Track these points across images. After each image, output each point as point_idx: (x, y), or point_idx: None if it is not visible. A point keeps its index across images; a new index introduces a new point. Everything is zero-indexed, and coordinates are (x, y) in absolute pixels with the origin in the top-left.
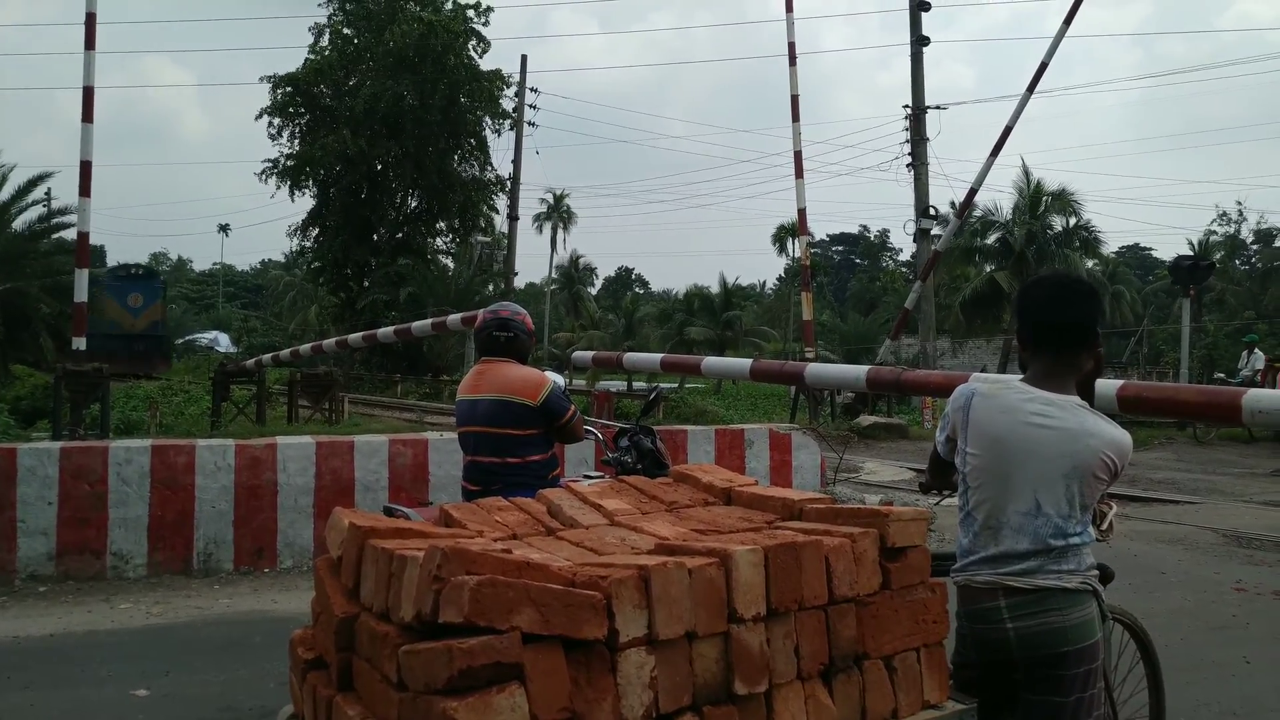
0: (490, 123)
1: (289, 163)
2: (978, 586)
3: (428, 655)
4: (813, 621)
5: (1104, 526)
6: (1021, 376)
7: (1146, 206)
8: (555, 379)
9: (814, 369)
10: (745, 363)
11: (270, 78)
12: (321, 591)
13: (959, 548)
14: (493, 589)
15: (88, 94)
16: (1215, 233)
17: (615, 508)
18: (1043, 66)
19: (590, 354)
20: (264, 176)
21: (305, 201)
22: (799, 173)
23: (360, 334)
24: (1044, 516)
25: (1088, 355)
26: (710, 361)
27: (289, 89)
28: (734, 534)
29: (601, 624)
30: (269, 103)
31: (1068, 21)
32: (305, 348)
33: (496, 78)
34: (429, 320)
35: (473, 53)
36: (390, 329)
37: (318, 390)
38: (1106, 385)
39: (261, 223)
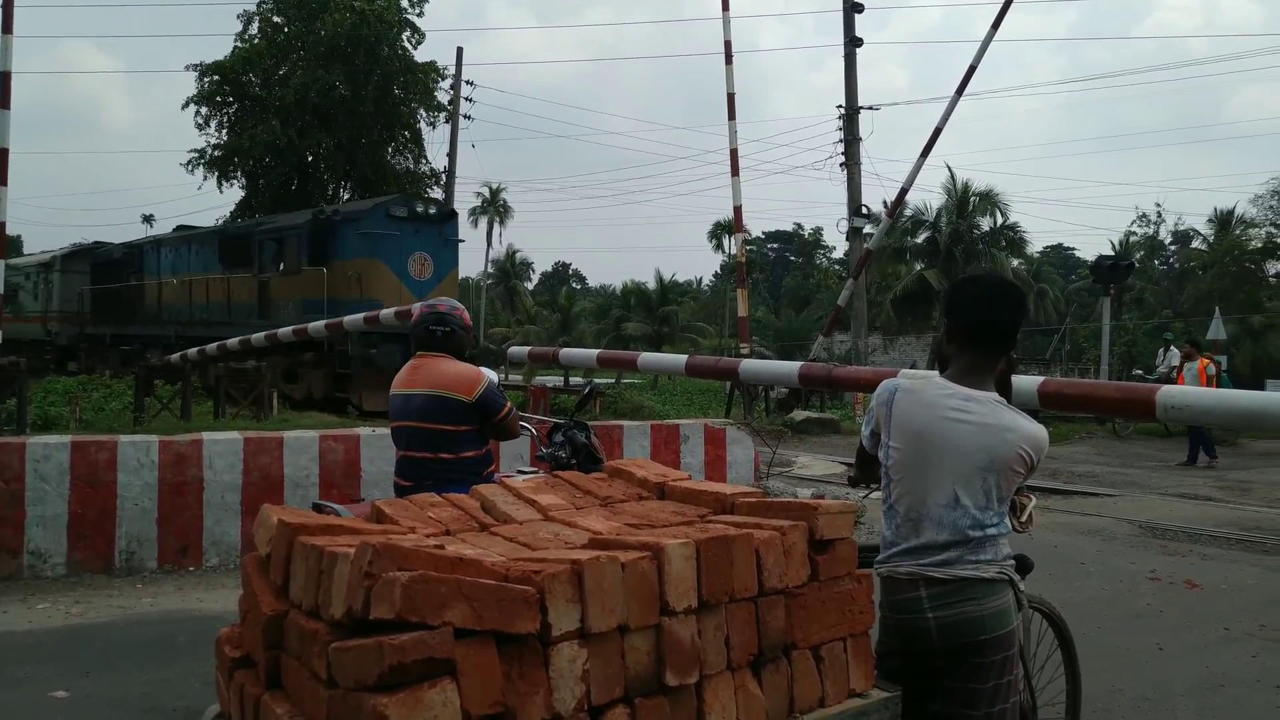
0: (425, 115)
1: (216, 153)
2: (900, 577)
3: (358, 652)
4: (743, 613)
5: (1023, 518)
6: (942, 373)
7: (1070, 208)
8: (490, 375)
9: (748, 365)
10: (681, 359)
11: (197, 66)
12: (249, 589)
13: (883, 540)
14: (425, 585)
15: (4, 79)
16: (1135, 234)
17: (549, 503)
18: (971, 69)
19: (526, 349)
20: (190, 167)
21: (233, 193)
22: (735, 170)
23: (290, 328)
24: (962, 509)
25: (1008, 355)
26: (646, 357)
27: (216, 77)
28: (667, 528)
29: (534, 618)
30: (196, 91)
31: (995, 26)
32: (233, 342)
33: (431, 69)
34: (361, 315)
35: (407, 44)
36: (321, 323)
37: (246, 385)
38: (1029, 381)
39: (188, 214)
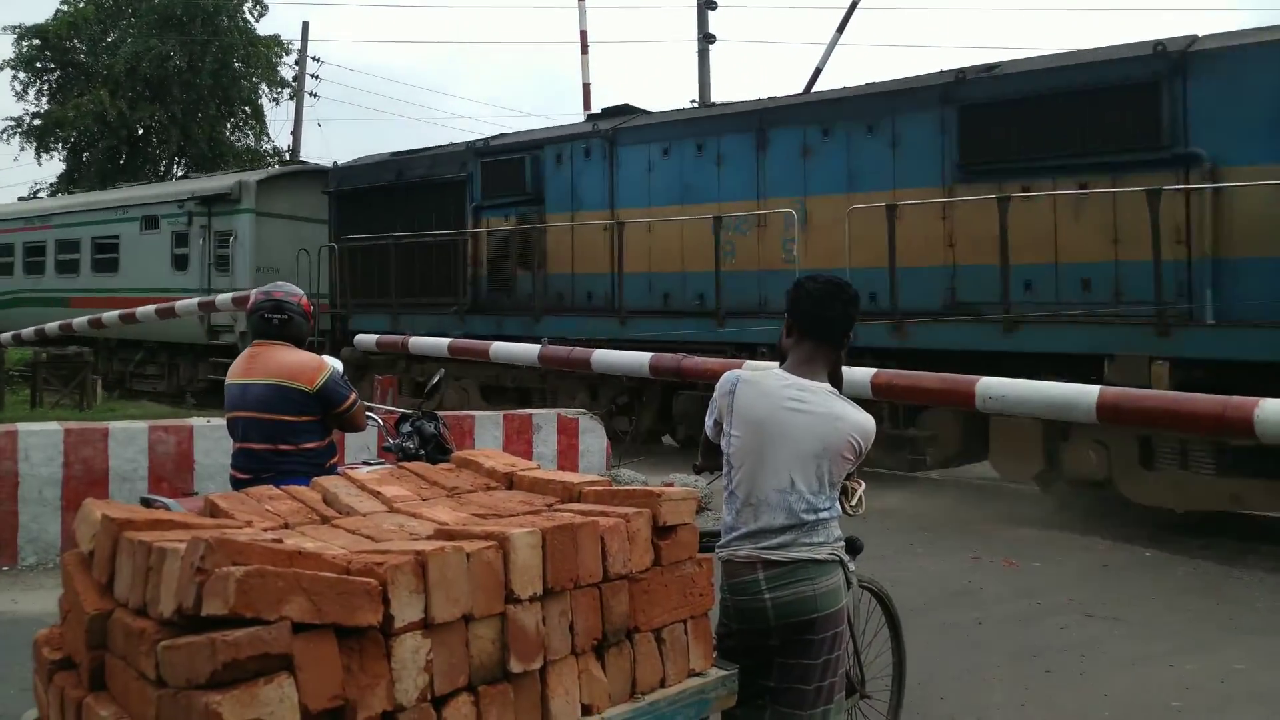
0: (267, 91)
1: (35, 122)
2: (739, 561)
3: (189, 649)
4: (587, 599)
5: (853, 502)
6: (781, 365)
7: None
8: (334, 364)
9: (600, 356)
10: (534, 349)
11: (15, 28)
12: (70, 588)
13: (724, 524)
14: (260, 579)
15: None
16: None
17: (394, 494)
18: (817, 71)
19: (374, 338)
20: (5, 136)
21: (54, 165)
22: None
23: (117, 313)
24: (797, 493)
25: (841, 349)
26: (499, 347)
27: (37, 41)
28: (514, 517)
29: (376, 610)
30: (12, 55)
31: (840, 30)
32: (52, 326)
33: (274, 44)
34: (195, 300)
35: (248, 15)
36: (151, 308)
37: (67, 372)
38: (862, 372)
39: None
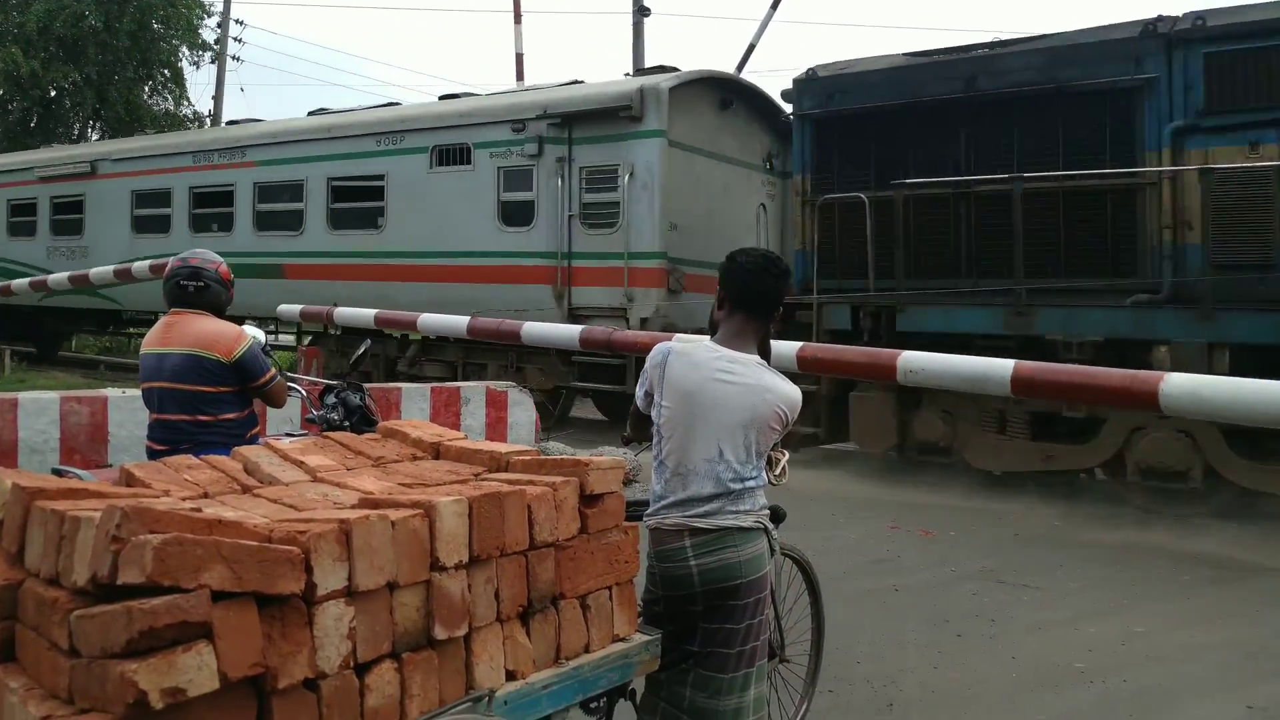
0: (188, 54)
1: None
2: (667, 529)
3: (104, 618)
4: (513, 566)
5: (778, 472)
6: (712, 337)
7: None
8: (255, 334)
9: (530, 328)
10: (463, 320)
11: None
12: None
13: (652, 494)
14: (179, 547)
15: None
16: None
17: (318, 464)
18: (750, 48)
19: (298, 308)
20: None
21: None
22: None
23: (26, 280)
24: (725, 463)
25: (772, 322)
26: (426, 318)
27: None
28: (440, 486)
29: (298, 578)
30: None
31: (775, 6)
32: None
33: (195, 4)
34: (110, 267)
35: None
36: (64, 275)
37: None
38: (788, 346)
39: None
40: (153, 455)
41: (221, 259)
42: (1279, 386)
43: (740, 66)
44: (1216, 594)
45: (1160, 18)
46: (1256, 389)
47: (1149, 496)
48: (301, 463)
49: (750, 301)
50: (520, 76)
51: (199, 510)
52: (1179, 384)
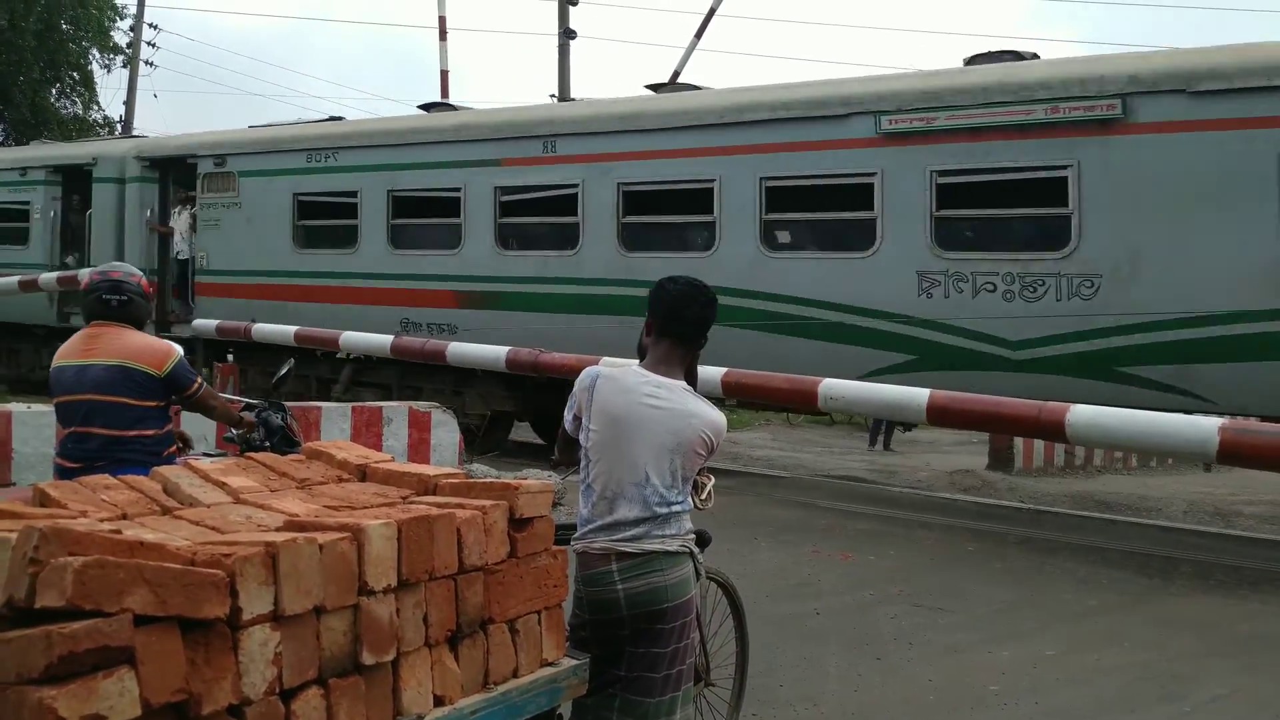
0: (99, 57)
1: None
2: (594, 552)
3: (21, 643)
4: (442, 590)
5: (704, 496)
6: (639, 362)
7: None
8: (179, 350)
9: (456, 348)
10: (386, 339)
11: None
12: None
13: (579, 518)
14: (100, 570)
15: None
16: None
17: (240, 485)
18: (675, 74)
19: (215, 323)
20: None
21: None
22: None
23: (15, 279)
24: (651, 486)
25: (697, 348)
26: (349, 336)
27: None
28: (368, 509)
29: (223, 602)
30: None
31: (699, 35)
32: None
33: (107, 6)
34: (15, 278)
35: None
36: (13, 279)
37: None
38: (713, 371)
39: None
40: (63, 473)
41: (141, 273)
42: (1168, 418)
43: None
44: (1122, 617)
45: None
46: (1153, 421)
47: (1060, 524)
48: (223, 484)
49: (676, 328)
50: (445, 93)
51: (119, 532)
52: (1083, 415)
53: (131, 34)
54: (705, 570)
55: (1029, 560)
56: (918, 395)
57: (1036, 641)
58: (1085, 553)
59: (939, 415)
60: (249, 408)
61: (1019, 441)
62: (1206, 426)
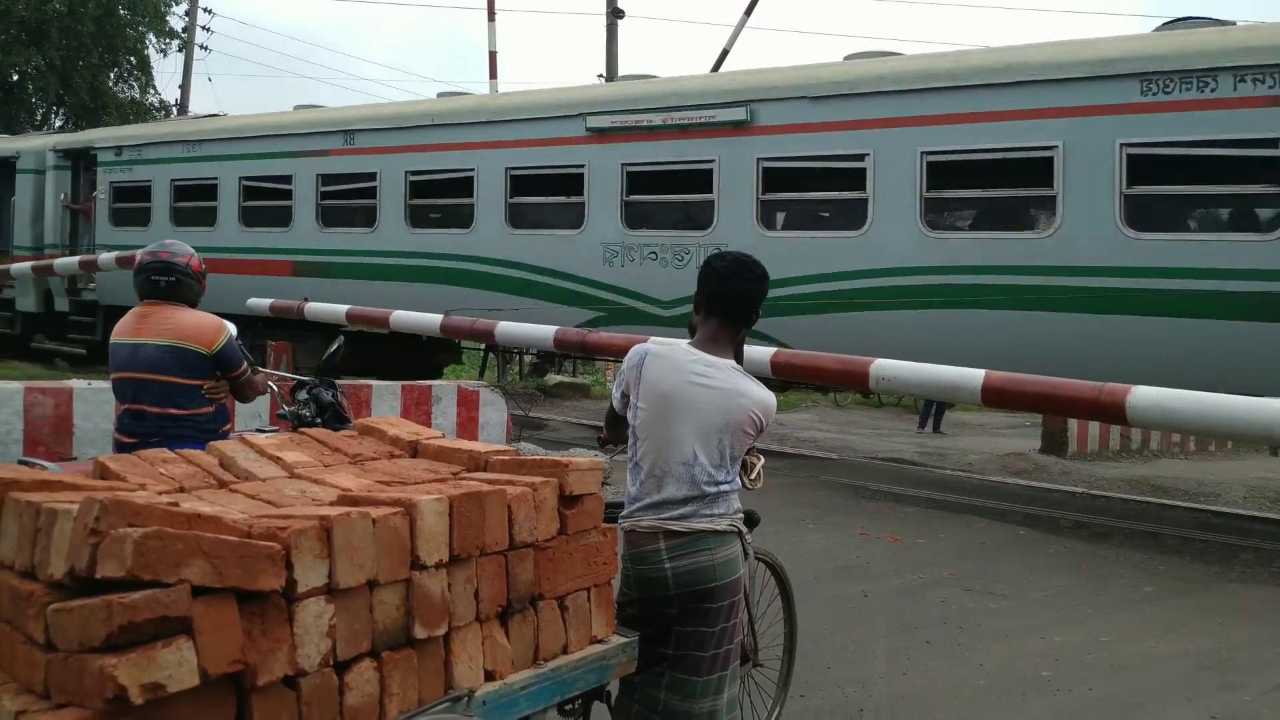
0: (155, 41)
1: None
2: (642, 531)
3: (83, 612)
4: (493, 566)
5: (753, 476)
6: (689, 340)
7: None
8: (231, 327)
9: (504, 328)
10: (436, 318)
11: None
12: None
13: (627, 496)
14: (160, 541)
15: None
16: None
17: (295, 460)
18: (724, 53)
19: (268, 301)
20: None
21: None
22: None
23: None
24: (699, 465)
25: (747, 327)
26: (399, 315)
27: None
28: (419, 485)
29: (279, 575)
30: None
31: (748, 12)
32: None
33: None
34: (76, 258)
35: None
36: (27, 264)
37: None
38: (762, 351)
39: None
40: (121, 448)
41: (193, 251)
42: (1243, 402)
43: (715, 68)
44: (1178, 604)
45: None
46: (1220, 403)
47: (1115, 509)
48: (278, 458)
49: (725, 306)
50: (493, 74)
51: (176, 504)
52: (1146, 396)
53: (187, 19)
54: (754, 550)
55: (1083, 546)
56: (973, 376)
57: (1091, 628)
58: (1141, 538)
59: (995, 396)
60: (300, 385)
61: (1073, 424)
62: (1277, 409)
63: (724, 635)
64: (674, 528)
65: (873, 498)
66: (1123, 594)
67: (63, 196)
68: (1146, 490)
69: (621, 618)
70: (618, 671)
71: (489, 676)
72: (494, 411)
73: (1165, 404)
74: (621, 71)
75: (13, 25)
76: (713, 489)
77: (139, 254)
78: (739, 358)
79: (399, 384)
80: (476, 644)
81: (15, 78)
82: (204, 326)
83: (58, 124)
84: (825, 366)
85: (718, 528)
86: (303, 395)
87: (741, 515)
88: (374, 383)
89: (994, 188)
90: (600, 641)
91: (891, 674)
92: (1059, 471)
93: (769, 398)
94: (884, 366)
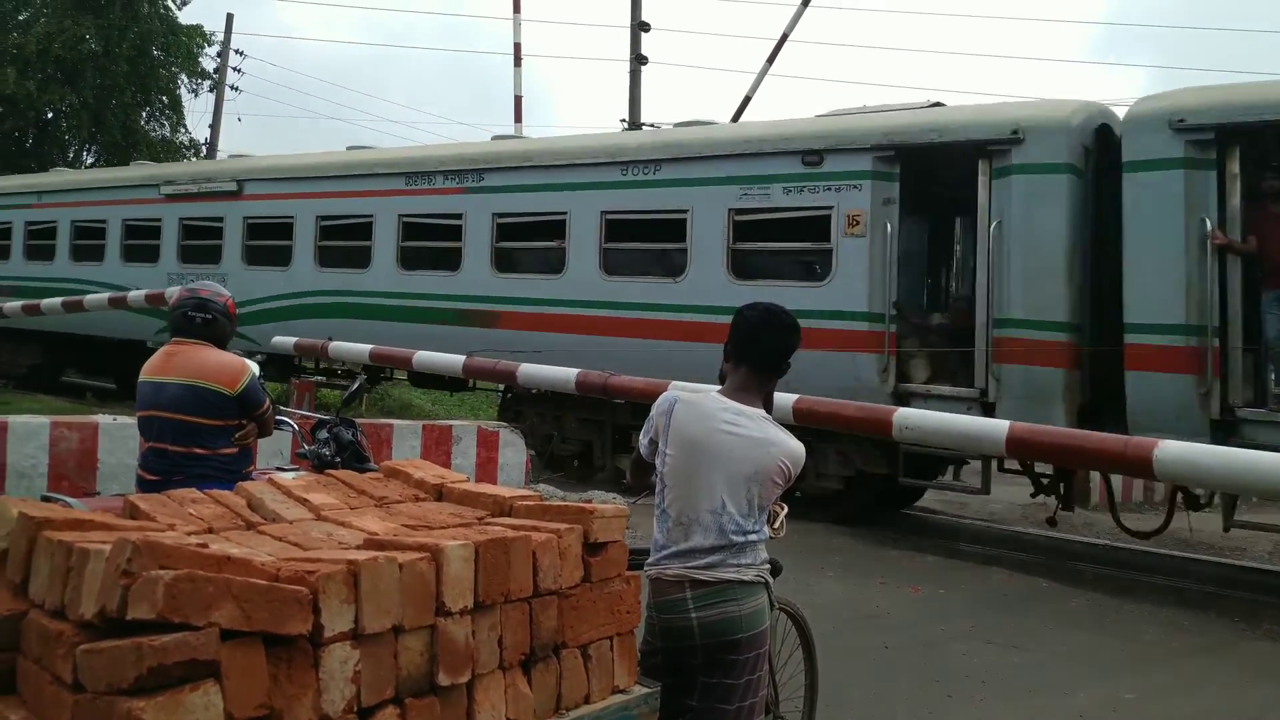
0: (187, 82)
1: None
2: (668, 579)
3: (112, 654)
4: (517, 613)
5: (776, 525)
6: (719, 388)
7: None
8: (253, 367)
9: (526, 369)
10: (459, 359)
11: None
12: None
13: (653, 543)
14: (190, 584)
15: None
16: None
17: (322, 502)
18: (746, 99)
19: (293, 340)
20: None
21: None
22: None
23: (20, 303)
24: (728, 514)
25: (778, 376)
26: (422, 356)
27: None
28: (445, 529)
29: (306, 619)
30: None
31: (770, 60)
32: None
33: (197, 33)
34: (105, 294)
35: (170, 2)
36: (57, 300)
37: None
38: (784, 398)
39: None
40: (144, 484)
41: (228, 293)
42: (1269, 459)
43: (736, 117)
44: (1204, 662)
45: None
46: (1247, 460)
47: (1139, 561)
48: (305, 500)
49: (753, 355)
50: (518, 118)
51: (205, 546)
52: (1172, 451)
53: (219, 60)
54: (776, 600)
55: (1106, 599)
56: (996, 427)
57: (1115, 684)
58: (1165, 593)
59: (1018, 447)
60: (321, 424)
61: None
62: None
63: (749, 688)
64: (701, 577)
65: (893, 546)
66: (1147, 650)
67: None
68: (1170, 543)
69: (644, 667)
70: None
71: None
72: (513, 452)
73: (1191, 458)
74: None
75: (49, 64)
76: (740, 539)
77: (174, 292)
78: (768, 406)
79: (419, 423)
80: (499, 692)
81: (50, 115)
82: (227, 367)
83: (89, 161)
84: (846, 415)
85: (745, 578)
86: (323, 434)
87: (769, 566)
88: (395, 422)
89: (352, 239)
90: (623, 691)
91: None
92: (1081, 522)
93: (798, 448)
94: (907, 416)
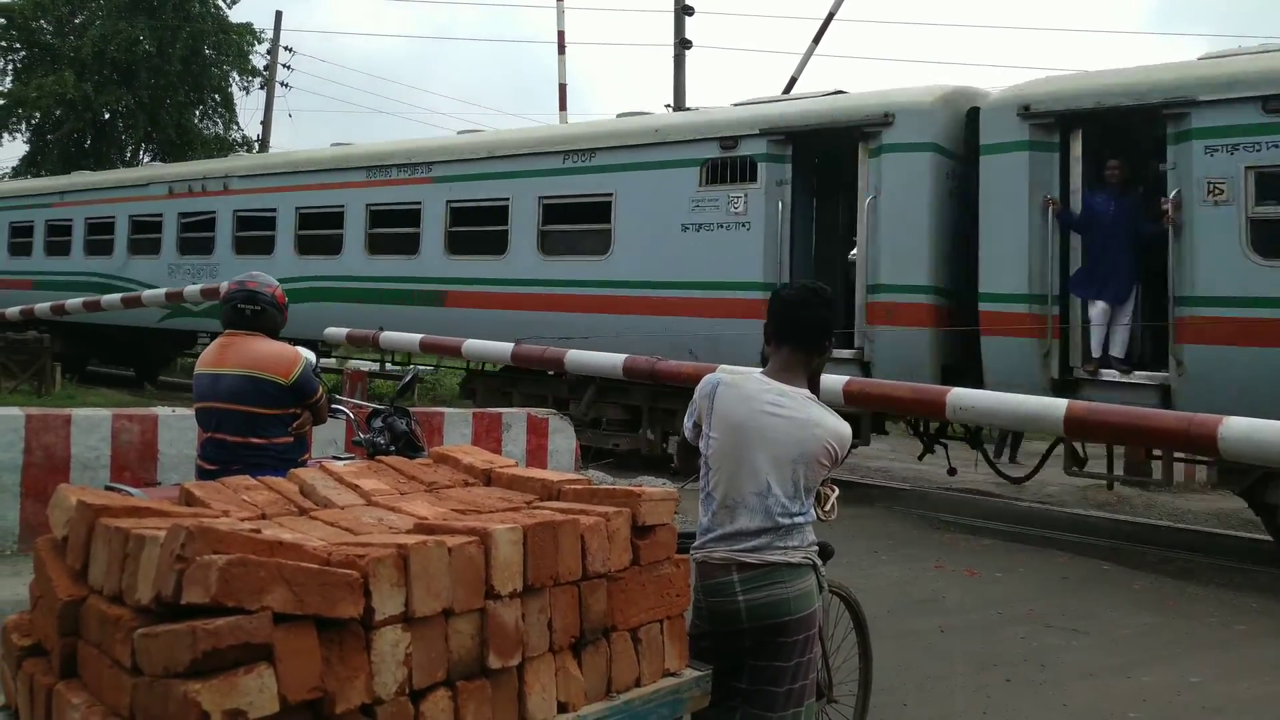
0: (238, 79)
1: None
2: (714, 562)
3: (168, 638)
4: (566, 596)
5: (827, 508)
6: (762, 370)
7: None
8: (308, 356)
9: (574, 356)
10: (507, 346)
11: None
12: (43, 574)
13: (699, 526)
14: (243, 568)
15: None
16: None
17: (373, 488)
18: (793, 80)
19: (345, 331)
20: None
21: (16, 147)
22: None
23: (81, 300)
24: (773, 497)
25: (819, 354)
26: (472, 344)
27: (3, 21)
28: (494, 514)
29: (357, 603)
30: None
31: (816, 40)
32: (13, 311)
33: (247, 32)
34: (162, 290)
35: (220, 2)
36: (117, 296)
37: (25, 358)
38: (834, 380)
39: None
40: (204, 474)
41: (276, 283)
42: None
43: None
44: (1271, 644)
45: None
46: None
47: (1203, 543)
48: (356, 486)
49: (794, 333)
50: (563, 106)
51: (258, 531)
52: (1237, 428)
53: (269, 57)
54: (827, 583)
55: (1169, 582)
56: (1055, 406)
57: (1179, 667)
58: (1230, 574)
59: (1077, 427)
60: (376, 414)
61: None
62: None
63: (799, 670)
64: (747, 559)
65: (948, 529)
66: (1213, 633)
67: None
68: (1235, 524)
69: (694, 650)
70: (691, 705)
71: (562, 708)
72: (563, 439)
73: (1258, 436)
74: (690, 101)
75: (105, 66)
76: (787, 520)
77: (225, 284)
78: (815, 387)
79: (470, 411)
80: (550, 675)
81: (107, 116)
82: (281, 357)
83: (145, 160)
84: (899, 396)
85: (792, 560)
86: (378, 423)
87: (816, 548)
88: (446, 410)
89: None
90: (673, 674)
91: (970, 713)
92: (1142, 504)
93: (844, 427)
94: (961, 396)
